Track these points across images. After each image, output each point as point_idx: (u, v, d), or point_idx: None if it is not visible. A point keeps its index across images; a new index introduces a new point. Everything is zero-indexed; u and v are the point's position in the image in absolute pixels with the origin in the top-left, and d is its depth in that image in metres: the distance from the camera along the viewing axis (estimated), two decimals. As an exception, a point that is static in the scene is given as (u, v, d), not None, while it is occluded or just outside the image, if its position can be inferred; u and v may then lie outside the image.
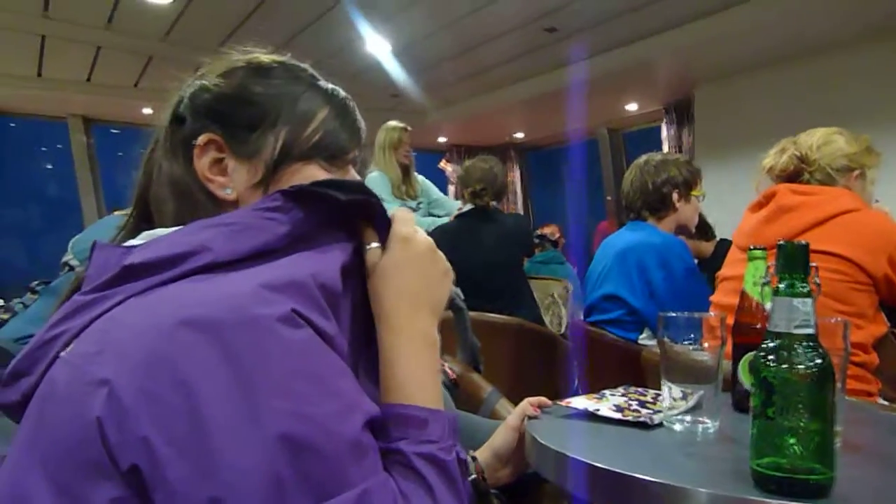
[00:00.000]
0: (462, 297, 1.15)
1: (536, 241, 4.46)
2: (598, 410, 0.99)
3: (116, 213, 1.32)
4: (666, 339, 0.95)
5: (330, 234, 0.65)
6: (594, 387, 1.16)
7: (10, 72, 5.08)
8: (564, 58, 5.03)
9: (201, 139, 0.69)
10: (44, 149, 8.27)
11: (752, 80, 5.05)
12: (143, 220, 0.73)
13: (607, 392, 1.12)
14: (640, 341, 2.03)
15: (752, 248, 1.09)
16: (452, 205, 3.51)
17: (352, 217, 0.68)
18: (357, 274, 0.68)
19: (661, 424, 0.95)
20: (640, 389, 1.16)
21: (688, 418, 0.93)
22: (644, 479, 0.72)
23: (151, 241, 0.63)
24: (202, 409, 0.48)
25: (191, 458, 0.48)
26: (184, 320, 0.51)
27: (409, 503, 0.56)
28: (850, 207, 1.55)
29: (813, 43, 4.45)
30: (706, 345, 0.93)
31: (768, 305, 0.74)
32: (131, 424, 0.48)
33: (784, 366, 0.67)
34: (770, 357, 0.69)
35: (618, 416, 0.97)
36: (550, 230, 4.99)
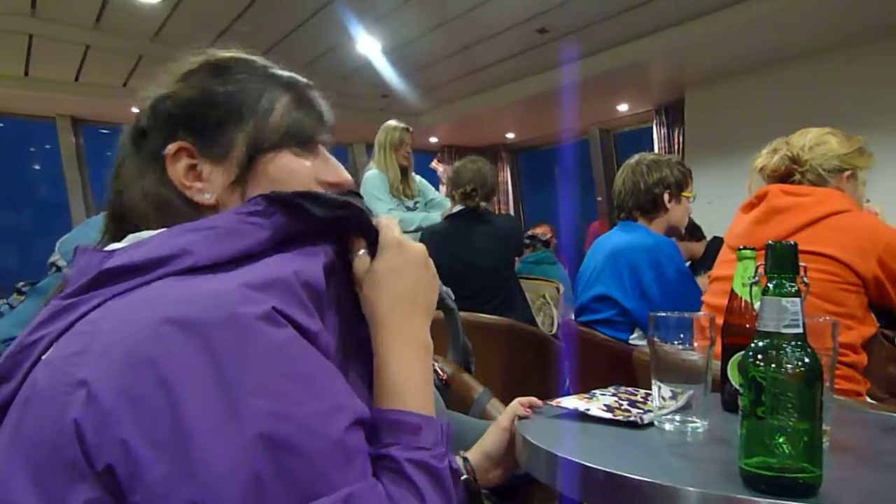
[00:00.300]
0: (453, 297, 1.14)
1: (527, 241, 4.47)
2: (588, 410, 0.99)
3: (105, 213, 1.31)
4: (656, 339, 0.95)
5: (313, 238, 0.65)
6: (585, 387, 1.16)
7: (-3, 71, 5.05)
8: (556, 59, 5.04)
9: (170, 148, 0.68)
10: (32, 149, 8.21)
11: (743, 83, 5.08)
12: (120, 230, 0.71)
13: (598, 392, 1.12)
14: (630, 341, 2.03)
15: (741, 248, 1.10)
16: (448, 206, 3.51)
17: (336, 225, 0.68)
18: (343, 276, 0.68)
19: (651, 424, 0.95)
20: (630, 389, 1.16)
21: (678, 418, 0.93)
22: (634, 479, 0.72)
23: (132, 245, 0.62)
24: (182, 408, 0.48)
25: (170, 459, 0.47)
26: (164, 319, 0.51)
27: None
28: (841, 209, 1.56)
29: (804, 46, 4.48)
30: (696, 345, 0.93)
31: (757, 305, 0.74)
32: (109, 425, 0.48)
33: (773, 365, 0.68)
34: (759, 357, 0.69)
35: (608, 415, 0.98)
36: (542, 230, 5.00)
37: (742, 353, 0.73)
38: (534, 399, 1.06)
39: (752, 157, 1.77)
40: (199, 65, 0.72)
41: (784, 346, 0.68)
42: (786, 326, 0.69)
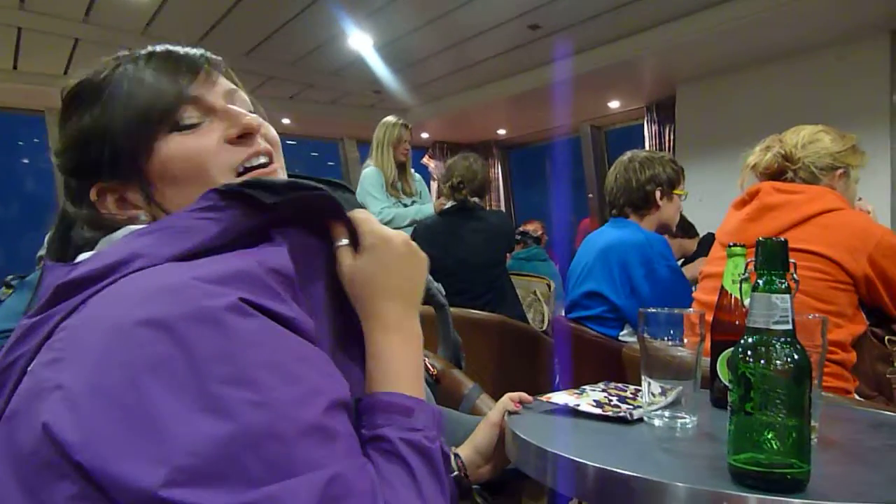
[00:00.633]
0: (444, 293, 1.14)
1: (518, 237, 4.47)
2: (578, 406, 1.00)
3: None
4: (646, 335, 0.95)
5: (279, 230, 0.64)
6: (575, 383, 1.17)
7: (-15, 64, 5.00)
8: (548, 55, 5.05)
9: (92, 194, 0.70)
10: (20, 143, 8.14)
11: (733, 80, 5.10)
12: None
13: (587, 387, 1.12)
14: (620, 338, 2.04)
15: (731, 245, 1.10)
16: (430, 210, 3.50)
17: (302, 212, 0.66)
18: (320, 262, 0.67)
19: (640, 420, 0.96)
20: (620, 385, 1.16)
21: (667, 414, 0.94)
22: (623, 474, 0.72)
23: (88, 258, 0.62)
24: (155, 404, 0.48)
25: (146, 454, 0.47)
26: (135, 322, 0.51)
27: (392, 488, 0.56)
28: (833, 207, 1.56)
29: (794, 44, 4.50)
30: (685, 341, 0.93)
31: (747, 302, 0.74)
32: (80, 423, 0.48)
33: (762, 361, 0.68)
34: (748, 353, 0.69)
35: (598, 411, 0.98)
36: (533, 227, 5.01)
37: (731, 349, 0.73)
38: (524, 395, 1.06)
39: (745, 155, 1.78)
40: (62, 105, 0.72)
41: (773, 342, 0.69)
42: (775, 323, 0.69)
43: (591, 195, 6.83)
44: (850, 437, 0.97)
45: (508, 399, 1.05)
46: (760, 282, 0.72)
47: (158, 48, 0.73)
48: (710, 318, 1.08)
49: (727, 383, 1.00)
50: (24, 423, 0.51)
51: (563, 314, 2.28)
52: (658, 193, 2.14)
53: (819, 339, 0.92)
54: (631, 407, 1.00)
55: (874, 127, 4.05)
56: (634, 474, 0.72)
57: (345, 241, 0.69)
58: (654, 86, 5.80)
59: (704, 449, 0.86)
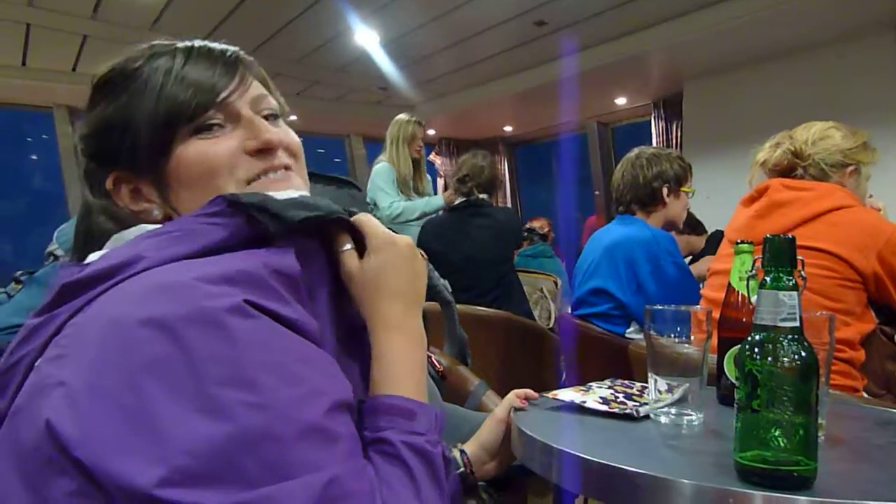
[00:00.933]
0: (450, 289, 1.14)
1: (525, 234, 4.47)
2: (584, 403, 1.00)
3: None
4: (652, 332, 0.95)
5: (279, 238, 0.63)
6: (582, 380, 1.17)
7: (-7, 61, 5.02)
8: (554, 51, 5.03)
9: (108, 182, 0.70)
10: (29, 139, 8.18)
11: (741, 77, 5.08)
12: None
13: (594, 384, 1.12)
14: (627, 335, 2.04)
15: (738, 241, 1.10)
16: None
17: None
18: (323, 265, 0.68)
19: (647, 417, 0.96)
20: (626, 382, 1.16)
21: (673, 411, 0.94)
22: (630, 471, 0.72)
23: (101, 256, 0.63)
24: (153, 404, 0.49)
25: (141, 452, 0.47)
26: (136, 321, 0.51)
27: (391, 489, 0.56)
28: (842, 204, 1.55)
29: (802, 40, 4.47)
30: (692, 338, 0.93)
31: (754, 299, 0.74)
32: (80, 420, 0.49)
33: (769, 359, 0.68)
34: (755, 350, 0.69)
35: (604, 408, 0.98)
36: (539, 224, 5.00)
37: (738, 346, 0.73)
38: (530, 391, 1.06)
39: (754, 151, 1.77)
40: (91, 91, 0.72)
41: (780, 339, 0.68)
42: (782, 320, 0.69)
43: (597, 192, 6.82)
44: (857, 434, 0.97)
45: (514, 396, 1.05)
46: (768, 279, 0.72)
47: (196, 44, 0.72)
48: (717, 315, 1.08)
49: (734, 380, 1.00)
50: (27, 420, 0.52)
51: (570, 311, 2.28)
52: (665, 190, 2.14)
53: (827, 337, 0.92)
54: (637, 404, 1.00)
55: (885, 124, 4.01)
56: (640, 471, 0.72)
57: (349, 246, 0.70)
58: (661, 82, 5.78)
59: (711, 446, 0.86)
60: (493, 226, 2.84)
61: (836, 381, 1.46)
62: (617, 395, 1.06)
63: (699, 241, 3.43)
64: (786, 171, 1.68)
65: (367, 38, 4.81)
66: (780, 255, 0.72)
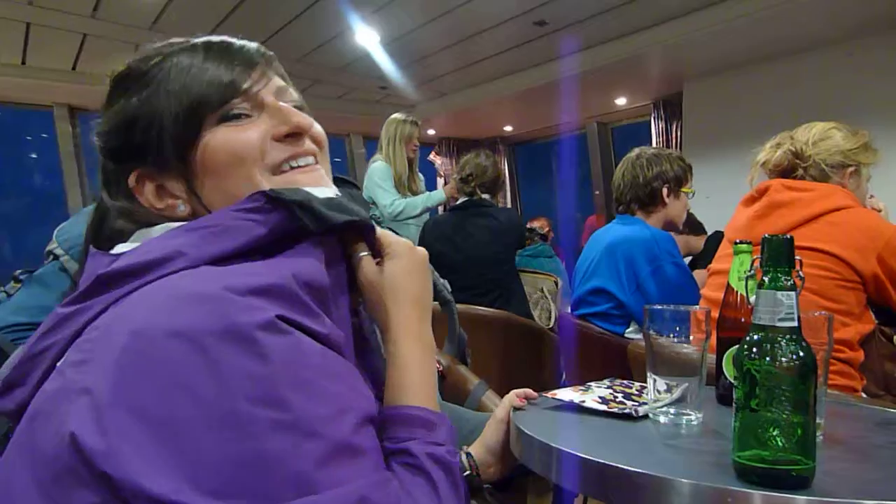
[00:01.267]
0: (450, 289, 1.15)
1: (526, 234, 4.46)
2: (583, 402, 1.00)
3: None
4: (651, 332, 0.95)
5: (311, 236, 0.64)
6: (581, 380, 1.17)
7: (-7, 59, 5.02)
8: (554, 51, 5.03)
9: (131, 180, 0.69)
10: (28, 138, 8.17)
11: (742, 77, 5.08)
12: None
13: (593, 384, 1.13)
14: (626, 335, 2.04)
15: (737, 242, 1.10)
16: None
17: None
18: (341, 271, 0.68)
19: (645, 416, 0.96)
20: (625, 382, 1.16)
21: (672, 411, 0.94)
22: (628, 470, 0.73)
23: (131, 250, 0.63)
24: (181, 420, 0.48)
25: (171, 469, 0.47)
26: (166, 330, 0.50)
27: (416, 501, 0.56)
28: (842, 205, 1.55)
29: (804, 40, 4.47)
30: (691, 338, 0.93)
31: (753, 299, 0.74)
32: (107, 433, 0.48)
33: (767, 358, 0.68)
34: (754, 350, 0.69)
35: (603, 407, 0.98)
36: (540, 224, 5.00)
37: (737, 346, 0.73)
38: (529, 391, 1.06)
39: (755, 152, 1.77)
40: (109, 87, 0.72)
41: (779, 339, 0.69)
42: (780, 320, 0.69)
43: (597, 192, 6.82)
44: (856, 434, 0.97)
45: (514, 395, 1.05)
46: (766, 279, 0.72)
47: (215, 38, 0.72)
48: (716, 314, 1.08)
49: (732, 380, 1.00)
50: (48, 427, 0.51)
51: (569, 311, 2.28)
52: (665, 191, 2.14)
53: (825, 337, 0.92)
54: (636, 403, 1.00)
55: (887, 124, 4.01)
56: (639, 470, 0.72)
57: (366, 252, 0.70)
58: (661, 83, 5.78)
59: (709, 445, 0.86)
60: (495, 226, 2.84)
61: (835, 382, 1.46)
62: (616, 394, 1.06)
63: (698, 242, 3.43)
64: (786, 171, 1.69)
65: (367, 37, 4.81)
66: (778, 255, 0.72)
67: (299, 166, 0.71)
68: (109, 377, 0.50)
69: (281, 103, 0.71)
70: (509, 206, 8.05)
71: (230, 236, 0.60)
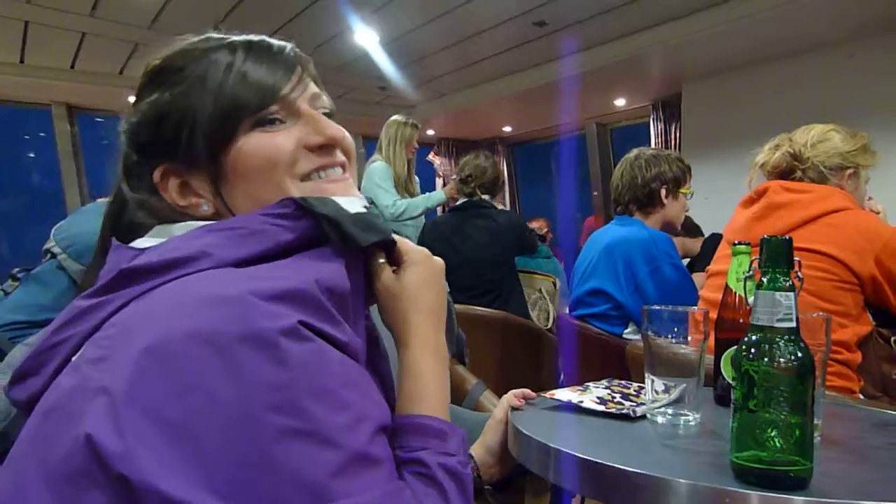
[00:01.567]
0: (448, 289, 1.15)
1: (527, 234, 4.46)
2: (581, 402, 1.00)
3: (100, 200, 1.31)
4: (649, 333, 0.95)
5: (332, 242, 0.64)
6: (579, 380, 1.17)
7: (-9, 58, 5.01)
8: (554, 52, 5.03)
9: (156, 175, 0.68)
10: (26, 137, 8.16)
11: (741, 78, 5.08)
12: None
13: (591, 384, 1.13)
14: (624, 335, 2.04)
15: (736, 243, 1.10)
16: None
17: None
18: (358, 277, 0.67)
19: (643, 417, 0.96)
20: (623, 382, 1.16)
21: (670, 411, 0.94)
22: (626, 470, 0.73)
23: (155, 245, 0.62)
24: (199, 422, 0.48)
25: (185, 470, 0.47)
26: (187, 331, 0.50)
27: None
28: (840, 206, 1.56)
29: (803, 41, 4.48)
30: (690, 339, 0.93)
31: (751, 300, 0.74)
32: (124, 434, 0.47)
33: (765, 359, 0.68)
34: (752, 350, 0.69)
35: (601, 408, 0.98)
36: (538, 225, 5.00)
37: (735, 347, 0.73)
38: (527, 391, 1.06)
39: (753, 153, 1.77)
40: (142, 80, 0.71)
41: (777, 340, 0.69)
42: (779, 321, 0.69)
43: (595, 193, 6.82)
44: (853, 436, 0.97)
45: (512, 395, 1.05)
46: (765, 279, 0.72)
47: (255, 38, 0.72)
48: (714, 315, 1.08)
49: (730, 381, 1.00)
50: (64, 425, 0.51)
51: (568, 312, 2.28)
52: (664, 192, 2.14)
53: (823, 338, 0.92)
54: (634, 404, 1.00)
55: (886, 126, 4.02)
56: (637, 470, 0.72)
57: (383, 259, 0.70)
58: (660, 83, 5.79)
59: (707, 446, 0.86)
60: (494, 228, 2.84)
61: (832, 383, 1.46)
62: (614, 395, 1.06)
63: (694, 245, 3.43)
64: (785, 173, 1.69)
65: (366, 37, 4.81)
66: (776, 256, 0.72)
67: (329, 177, 0.71)
68: (127, 377, 0.49)
69: (316, 112, 0.72)
70: (508, 206, 8.06)
71: (257, 240, 0.60)
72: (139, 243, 0.65)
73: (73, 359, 0.56)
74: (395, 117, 3.56)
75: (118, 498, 0.47)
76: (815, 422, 0.80)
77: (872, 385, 1.58)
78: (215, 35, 0.72)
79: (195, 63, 0.68)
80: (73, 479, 0.48)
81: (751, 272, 1.03)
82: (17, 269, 1.56)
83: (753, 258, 1.00)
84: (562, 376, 2.41)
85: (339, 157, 0.73)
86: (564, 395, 1.04)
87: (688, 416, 0.93)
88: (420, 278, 0.70)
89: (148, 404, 0.48)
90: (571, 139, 7.20)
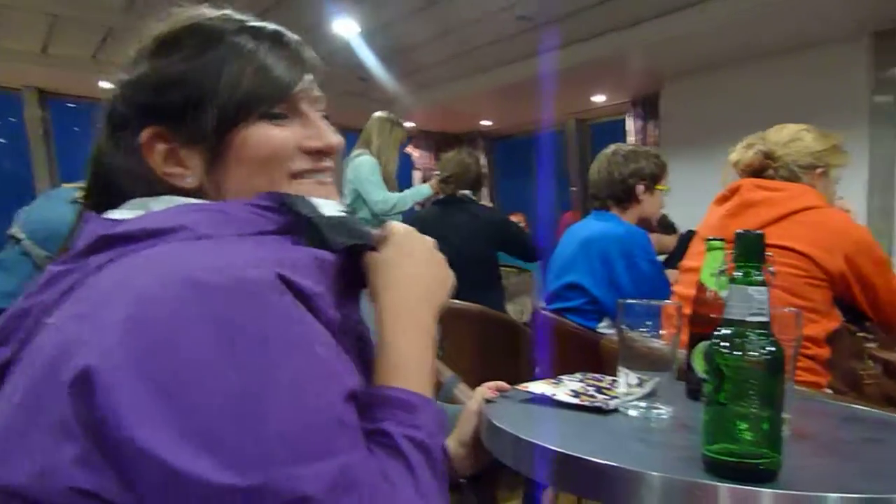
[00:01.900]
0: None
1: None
2: (554, 395, 1.00)
3: (66, 185, 1.28)
4: (624, 326, 0.96)
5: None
6: (554, 374, 1.17)
7: (-41, 40, 4.88)
8: (535, 47, 5.03)
9: (143, 136, 0.67)
10: (-4, 121, 7.98)
11: (719, 77, 5.13)
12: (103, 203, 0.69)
13: (565, 377, 1.13)
14: (599, 330, 2.05)
15: (710, 238, 1.11)
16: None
17: None
18: (339, 276, 0.67)
19: (616, 410, 0.96)
20: (596, 375, 1.17)
21: (643, 404, 0.94)
22: (599, 463, 0.73)
23: (133, 218, 0.62)
24: (182, 372, 0.48)
25: (166, 421, 0.47)
26: (169, 281, 0.51)
27: (390, 483, 0.55)
28: (812, 205, 1.58)
29: (779, 42, 4.53)
30: (663, 332, 0.94)
31: (724, 295, 0.75)
32: (106, 388, 0.47)
33: (737, 353, 0.68)
34: (724, 344, 0.70)
35: (574, 401, 0.98)
36: (517, 219, 5.01)
37: (706, 341, 0.73)
38: (501, 383, 1.06)
39: (729, 151, 1.79)
40: (151, 41, 0.70)
41: (749, 334, 0.69)
42: (752, 315, 0.70)
43: (573, 188, 6.86)
44: (822, 430, 0.99)
45: (486, 388, 1.05)
46: (738, 274, 0.72)
47: (283, 30, 0.73)
48: (689, 310, 1.09)
49: (702, 375, 1.01)
50: (46, 375, 0.50)
51: (543, 305, 2.29)
52: (640, 188, 2.15)
53: (794, 333, 0.93)
54: (607, 397, 1.00)
55: (854, 127, 4.09)
56: (609, 463, 0.72)
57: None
58: (639, 81, 5.82)
59: (679, 439, 0.87)
60: (475, 222, 2.87)
61: (800, 378, 1.48)
62: (587, 388, 1.06)
63: (670, 241, 3.46)
64: (757, 171, 1.71)
65: (347, 28, 4.77)
66: (750, 252, 0.73)
67: (317, 180, 0.73)
68: (109, 331, 0.49)
69: (318, 117, 0.74)
70: (487, 200, 8.07)
71: (239, 225, 0.61)
72: (114, 214, 0.65)
73: (50, 320, 0.55)
74: (385, 115, 3.58)
75: (98, 448, 0.47)
76: (784, 415, 0.81)
77: (841, 380, 1.61)
78: (233, 14, 0.73)
79: (217, 41, 0.69)
80: (52, 430, 0.48)
81: (724, 267, 1.03)
82: (-19, 256, 1.53)
83: (727, 253, 1.01)
84: (536, 369, 2.42)
85: (330, 162, 0.75)
86: (538, 387, 1.04)
87: (660, 409, 0.94)
88: (397, 252, 0.71)
89: (130, 357, 0.48)
90: (550, 134, 7.22)
